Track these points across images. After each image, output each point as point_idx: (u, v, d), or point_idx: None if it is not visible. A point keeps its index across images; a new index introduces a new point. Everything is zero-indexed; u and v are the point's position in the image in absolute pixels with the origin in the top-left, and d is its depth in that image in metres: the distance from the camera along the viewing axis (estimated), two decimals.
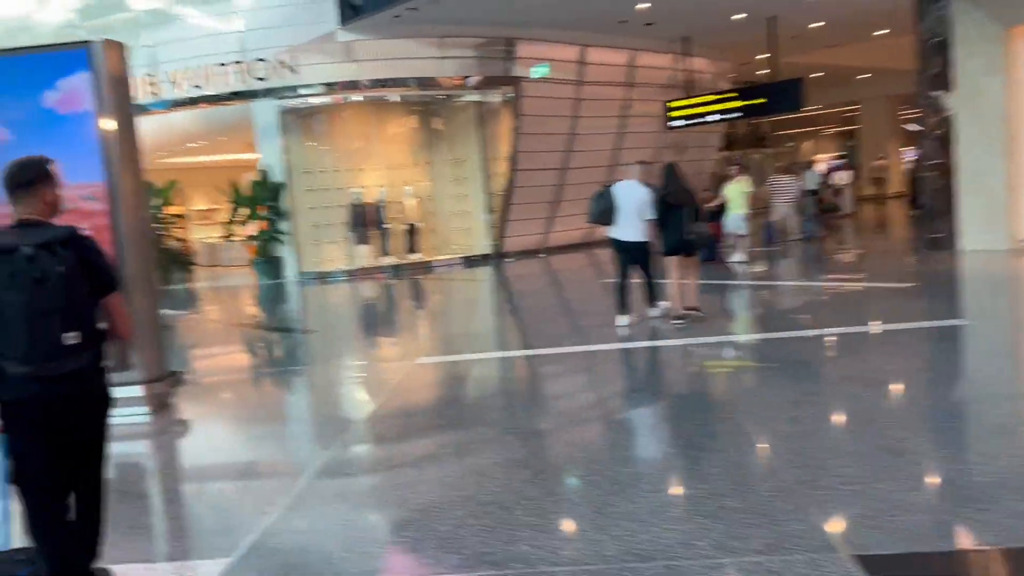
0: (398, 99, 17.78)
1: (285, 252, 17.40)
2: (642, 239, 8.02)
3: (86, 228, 5.88)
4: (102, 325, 2.93)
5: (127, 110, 5.90)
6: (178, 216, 19.17)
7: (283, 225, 17.21)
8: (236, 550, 3.54)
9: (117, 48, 5.83)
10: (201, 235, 23.62)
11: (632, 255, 8.14)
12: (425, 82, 17.09)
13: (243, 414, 6.68)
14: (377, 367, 8.21)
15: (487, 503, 3.86)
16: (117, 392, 5.82)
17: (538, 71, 17.64)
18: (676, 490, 4.07)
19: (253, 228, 17.36)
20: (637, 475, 4.23)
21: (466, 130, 18.58)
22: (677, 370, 7.01)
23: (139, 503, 4.51)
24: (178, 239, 18.60)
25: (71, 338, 2.71)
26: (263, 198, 17.11)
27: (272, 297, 15.64)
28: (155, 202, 17.85)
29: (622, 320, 8.20)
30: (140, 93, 17.05)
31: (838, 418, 5.08)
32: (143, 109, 17.17)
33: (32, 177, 2.86)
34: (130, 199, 5.79)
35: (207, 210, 23.85)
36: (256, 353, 9.89)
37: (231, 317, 13.62)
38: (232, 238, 18.38)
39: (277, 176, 17.10)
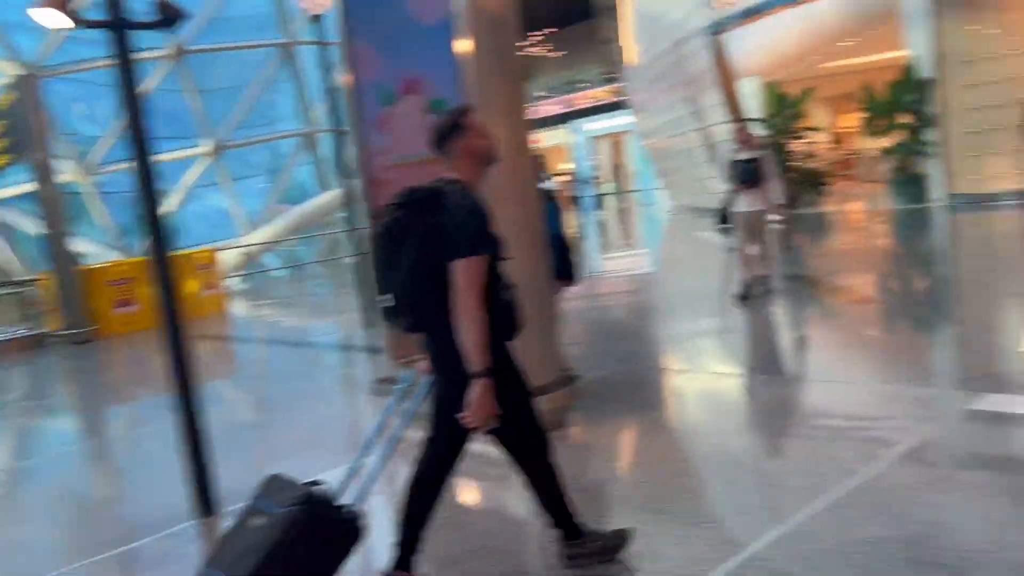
0: None
1: (931, 168, 13.64)
2: None
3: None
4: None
5: (500, 15, 4.11)
6: (811, 129, 16.84)
7: (929, 134, 13.43)
8: None
9: None
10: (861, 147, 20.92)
11: None
12: None
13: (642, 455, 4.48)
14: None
15: None
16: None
17: None
18: None
19: (890, 140, 14.03)
20: None
21: None
22: None
23: None
24: (810, 155, 16.33)
25: (384, 301, 2.49)
26: (905, 102, 13.58)
27: (903, 232, 12.30)
28: (786, 115, 15.96)
29: None
30: None
31: None
32: (755, 11, 15.27)
33: (440, 135, 2.59)
34: (500, 138, 4.07)
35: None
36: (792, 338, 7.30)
37: (817, 266, 10.98)
38: (871, 152, 15.35)
39: (925, 72, 13.32)
